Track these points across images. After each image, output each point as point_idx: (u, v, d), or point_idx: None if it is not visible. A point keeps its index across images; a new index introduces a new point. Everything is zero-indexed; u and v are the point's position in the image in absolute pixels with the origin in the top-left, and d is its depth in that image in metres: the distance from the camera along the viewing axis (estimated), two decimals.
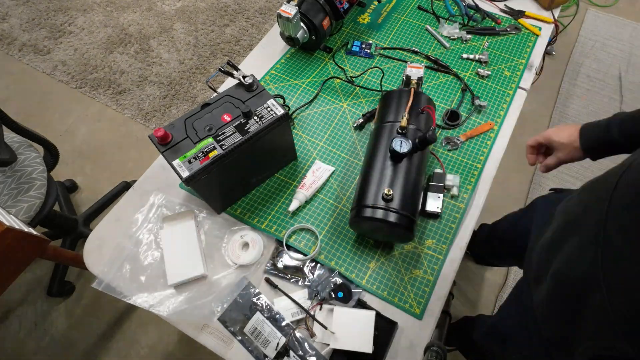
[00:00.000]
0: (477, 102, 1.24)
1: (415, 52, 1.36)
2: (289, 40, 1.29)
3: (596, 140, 0.90)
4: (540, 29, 1.41)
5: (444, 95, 1.27)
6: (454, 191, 1.09)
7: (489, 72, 1.31)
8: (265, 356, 0.91)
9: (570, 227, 0.74)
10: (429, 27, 1.41)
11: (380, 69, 1.29)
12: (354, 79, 1.30)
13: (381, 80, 1.29)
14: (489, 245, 1.59)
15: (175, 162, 0.87)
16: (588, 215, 0.68)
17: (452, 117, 1.21)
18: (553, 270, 0.74)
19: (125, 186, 2.24)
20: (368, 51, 1.34)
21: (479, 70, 1.31)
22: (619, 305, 0.53)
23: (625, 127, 0.84)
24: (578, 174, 2.25)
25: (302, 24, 1.25)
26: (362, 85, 1.28)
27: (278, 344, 0.91)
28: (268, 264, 1.03)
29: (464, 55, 1.34)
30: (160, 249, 1.04)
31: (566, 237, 0.73)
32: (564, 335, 0.70)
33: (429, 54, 1.35)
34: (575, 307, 0.64)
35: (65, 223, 1.94)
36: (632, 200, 0.56)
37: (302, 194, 1.08)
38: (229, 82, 1.29)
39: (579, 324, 0.62)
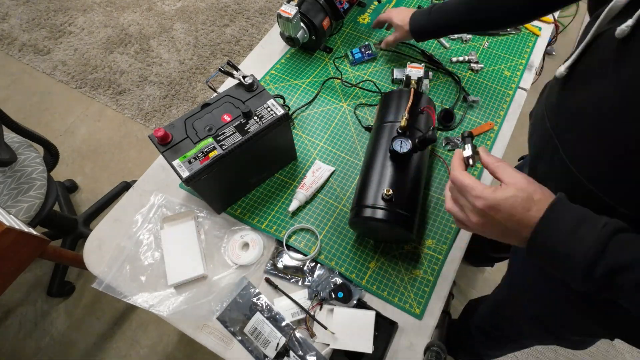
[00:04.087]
0: (469, 98, 1.24)
1: (413, 47, 1.37)
2: (289, 40, 1.29)
3: (420, 27, 1.15)
4: (540, 29, 1.41)
5: (444, 95, 1.27)
6: None
7: (482, 65, 1.31)
8: (265, 356, 0.91)
9: (534, 169, 0.80)
10: None
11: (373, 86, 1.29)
12: (360, 83, 1.30)
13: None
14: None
15: (175, 162, 0.88)
16: (541, 148, 0.75)
17: (447, 117, 1.21)
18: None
19: (125, 186, 2.24)
20: (370, 52, 1.34)
21: (472, 65, 1.32)
22: (572, 153, 0.64)
23: (435, 17, 1.11)
24: None
25: (302, 24, 1.25)
26: (360, 87, 1.28)
27: (278, 344, 0.91)
28: (268, 264, 1.03)
29: (454, 59, 1.34)
30: (161, 249, 1.04)
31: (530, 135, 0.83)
32: None
33: (426, 51, 1.35)
34: (543, 181, 0.65)
35: (65, 223, 1.95)
36: (562, 105, 0.69)
37: (302, 194, 1.08)
38: (229, 82, 1.29)
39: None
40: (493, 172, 0.67)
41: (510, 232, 0.62)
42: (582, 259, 0.53)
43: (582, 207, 0.57)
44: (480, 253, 1.76)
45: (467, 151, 0.71)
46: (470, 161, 0.71)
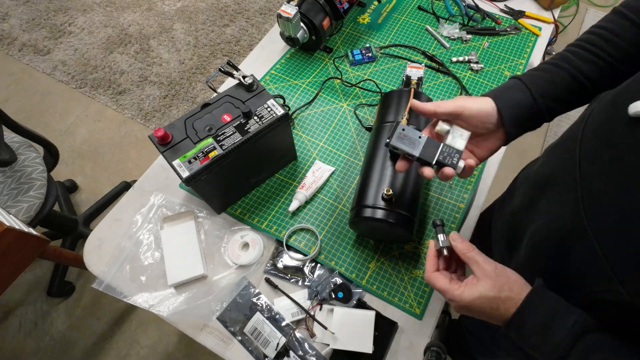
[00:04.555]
0: None
1: (414, 49, 1.37)
2: (289, 40, 1.29)
3: (526, 122, 0.74)
4: (540, 29, 1.41)
5: (444, 95, 1.27)
6: None
7: (482, 65, 1.31)
8: (265, 356, 0.91)
9: (541, 187, 0.73)
10: (429, 27, 1.41)
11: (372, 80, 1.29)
12: (360, 83, 1.29)
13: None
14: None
15: (175, 162, 0.87)
16: (559, 171, 0.67)
17: None
18: (530, 232, 0.73)
19: (125, 186, 2.24)
20: (370, 55, 1.34)
21: (472, 65, 1.32)
22: (610, 248, 0.53)
23: (548, 99, 0.72)
24: None
25: (302, 24, 1.25)
26: (360, 87, 1.28)
27: (278, 344, 0.91)
28: (268, 264, 1.03)
29: (454, 59, 1.34)
30: (161, 249, 1.04)
31: (538, 198, 0.73)
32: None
33: (427, 52, 1.35)
34: (559, 260, 0.64)
35: (65, 223, 1.95)
36: (601, 143, 0.57)
37: (302, 194, 1.08)
38: (229, 82, 1.29)
39: (564, 277, 0.63)
40: (465, 262, 0.71)
41: (488, 321, 0.67)
42: (549, 356, 0.59)
43: (555, 299, 0.61)
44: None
45: (439, 243, 0.75)
46: (445, 252, 0.74)
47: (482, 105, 0.72)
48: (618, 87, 0.59)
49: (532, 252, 0.73)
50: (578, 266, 0.61)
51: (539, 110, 0.72)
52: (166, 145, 0.89)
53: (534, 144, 2.41)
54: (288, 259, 1.03)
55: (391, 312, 0.96)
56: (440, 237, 0.75)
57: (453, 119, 0.73)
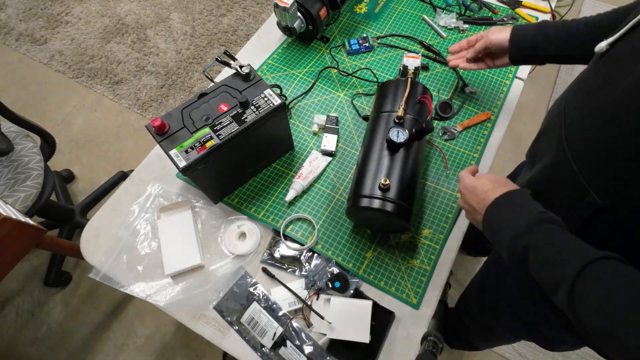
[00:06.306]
0: (467, 89, 1.24)
1: (411, 38, 1.37)
2: (286, 30, 1.29)
3: (527, 54, 1.00)
4: (537, 18, 1.40)
5: (441, 85, 1.27)
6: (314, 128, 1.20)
7: None
8: (262, 346, 0.92)
9: (537, 141, 0.86)
10: (426, 17, 1.41)
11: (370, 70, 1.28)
12: (357, 72, 1.29)
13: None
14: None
15: (172, 152, 0.87)
16: (550, 119, 0.80)
17: (444, 108, 1.21)
18: (529, 179, 0.84)
19: (122, 176, 2.23)
20: (367, 45, 1.34)
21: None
22: (584, 166, 0.64)
23: (550, 39, 0.95)
24: None
25: (299, 13, 1.24)
26: (357, 76, 1.28)
27: (275, 333, 0.92)
28: (265, 254, 1.03)
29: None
30: (157, 239, 1.04)
31: (535, 151, 0.86)
32: None
33: (424, 41, 1.35)
34: (551, 196, 0.74)
35: (62, 213, 1.94)
36: (580, 87, 0.71)
37: (299, 183, 1.08)
38: (226, 72, 1.28)
39: (556, 211, 0.69)
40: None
41: (474, 206, 0.78)
42: (512, 232, 0.66)
43: (531, 199, 0.71)
44: (476, 244, 1.77)
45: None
46: None
47: (500, 38, 1.00)
48: None
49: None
50: (565, 194, 0.70)
51: (538, 47, 0.96)
52: (163, 135, 0.89)
53: (531, 135, 2.42)
54: (285, 249, 1.03)
55: (388, 302, 0.97)
56: None
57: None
